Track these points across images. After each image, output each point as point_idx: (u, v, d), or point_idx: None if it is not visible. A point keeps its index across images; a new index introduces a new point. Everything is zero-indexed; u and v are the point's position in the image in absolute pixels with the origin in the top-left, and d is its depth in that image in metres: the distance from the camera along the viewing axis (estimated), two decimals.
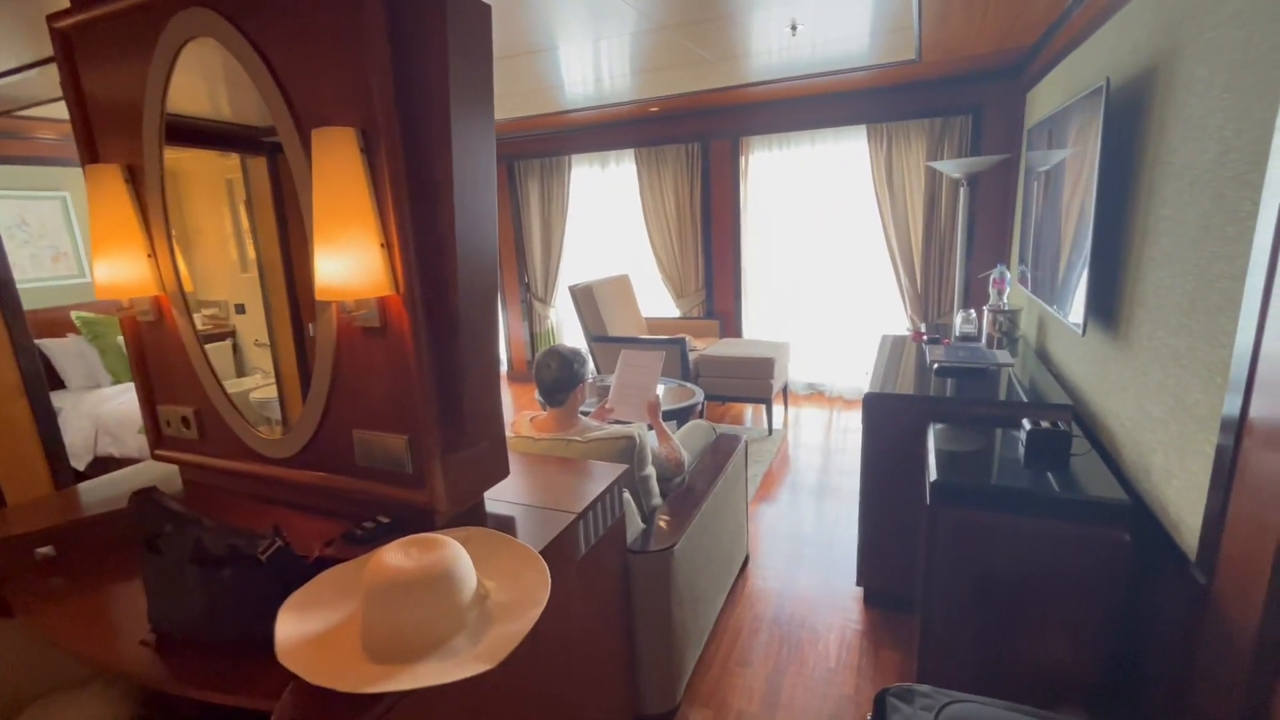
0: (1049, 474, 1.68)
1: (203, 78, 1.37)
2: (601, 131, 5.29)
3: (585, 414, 2.29)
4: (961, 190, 3.17)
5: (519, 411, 2.37)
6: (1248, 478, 1.14)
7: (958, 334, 2.92)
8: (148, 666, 1.00)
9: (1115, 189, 1.89)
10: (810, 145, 4.73)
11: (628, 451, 1.88)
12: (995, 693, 1.19)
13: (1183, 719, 1.31)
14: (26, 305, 2.04)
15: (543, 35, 2.69)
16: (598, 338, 4.56)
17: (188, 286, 1.50)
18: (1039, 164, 2.77)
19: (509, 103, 4.14)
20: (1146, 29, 1.79)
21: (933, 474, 1.72)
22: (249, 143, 1.44)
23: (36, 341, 2.23)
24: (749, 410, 4.93)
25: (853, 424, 4.49)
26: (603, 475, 1.60)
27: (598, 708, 1.59)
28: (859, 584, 2.45)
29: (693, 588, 1.98)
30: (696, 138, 4.97)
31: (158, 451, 1.64)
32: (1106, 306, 1.95)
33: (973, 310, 2.96)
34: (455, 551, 0.96)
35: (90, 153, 1.49)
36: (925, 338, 2.96)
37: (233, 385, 1.53)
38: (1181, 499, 1.41)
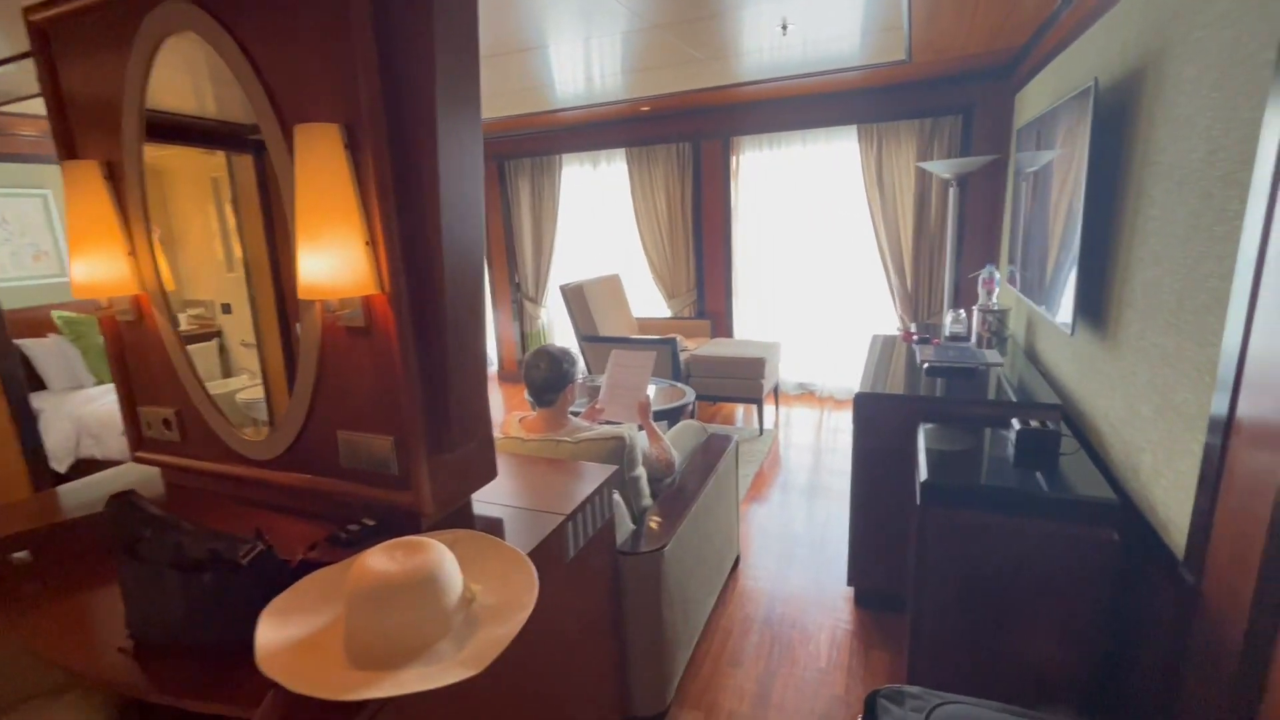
0: (1038, 474, 1.69)
1: (185, 73, 1.34)
2: (592, 131, 5.28)
3: (575, 414, 2.27)
4: (951, 190, 3.18)
5: (509, 412, 2.35)
6: (1235, 477, 1.14)
7: (947, 334, 2.93)
8: (125, 674, 0.98)
9: (1104, 189, 1.90)
10: (801, 145, 4.74)
11: (618, 452, 1.87)
12: (985, 692, 1.18)
13: (1171, 717, 1.32)
14: (6, 305, 2.01)
15: (533, 33, 2.67)
16: (588, 337, 4.54)
17: (170, 286, 1.47)
18: (1028, 164, 2.78)
19: (499, 101, 4.12)
20: (1135, 29, 1.79)
21: (923, 474, 1.72)
22: (234, 140, 1.41)
23: (17, 341, 2.19)
24: (740, 410, 4.93)
25: (843, 424, 4.50)
26: (592, 476, 1.58)
27: (587, 711, 1.58)
28: (850, 584, 2.45)
29: (683, 589, 1.97)
30: (687, 137, 4.96)
31: (139, 454, 1.61)
32: (1095, 306, 1.96)
33: (962, 310, 2.97)
34: (441, 554, 0.94)
35: (68, 149, 1.46)
36: (915, 337, 2.96)
37: (219, 386, 1.51)
38: (1170, 498, 1.41)
